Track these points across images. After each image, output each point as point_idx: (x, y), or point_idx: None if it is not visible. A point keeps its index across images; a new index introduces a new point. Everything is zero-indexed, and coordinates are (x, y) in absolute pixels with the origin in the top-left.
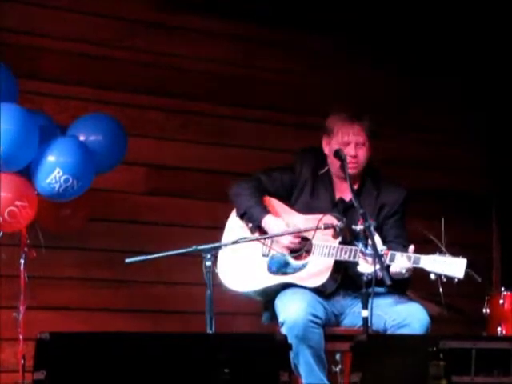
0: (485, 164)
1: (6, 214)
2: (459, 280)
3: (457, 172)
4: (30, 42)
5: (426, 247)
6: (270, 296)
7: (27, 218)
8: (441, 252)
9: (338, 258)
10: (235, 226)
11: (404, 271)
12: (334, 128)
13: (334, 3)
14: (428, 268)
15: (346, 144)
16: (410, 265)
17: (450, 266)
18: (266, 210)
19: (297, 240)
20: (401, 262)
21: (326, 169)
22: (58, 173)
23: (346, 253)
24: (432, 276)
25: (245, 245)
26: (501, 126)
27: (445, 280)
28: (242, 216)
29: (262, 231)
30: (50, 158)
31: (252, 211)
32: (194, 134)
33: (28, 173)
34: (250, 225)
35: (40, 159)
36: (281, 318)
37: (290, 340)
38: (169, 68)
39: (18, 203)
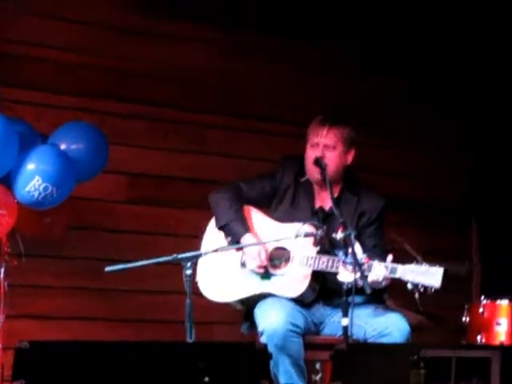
0: (464, 173)
1: None
2: (436, 289)
3: (436, 181)
4: (9, 50)
5: (403, 256)
6: (249, 305)
7: (7, 226)
8: (417, 262)
9: (316, 268)
10: (214, 234)
11: (381, 279)
12: (308, 132)
13: (320, 11)
14: (405, 278)
15: (315, 146)
16: (387, 274)
17: (427, 276)
18: (246, 228)
19: (265, 264)
20: (378, 272)
21: (306, 177)
22: (38, 181)
23: (323, 263)
24: (409, 286)
25: (224, 254)
26: (479, 135)
27: (422, 290)
28: (221, 228)
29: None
30: (30, 166)
31: (231, 226)
32: (174, 143)
33: (7, 181)
34: (229, 239)
35: (19, 167)
36: (260, 328)
37: (270, 349)
38: (149, 76)
39: None
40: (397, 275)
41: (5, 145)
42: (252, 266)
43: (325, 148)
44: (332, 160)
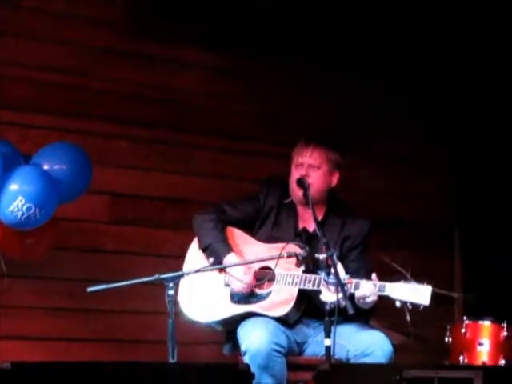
0: (447, 192)
1: None
2: (425, 307)
3: (418, 201)
4: None
5: (390, 278)
6: (232, 326)
7: None
8: (406, 280)
9: (302, 286)
10: (196, 254)
11: (368, 294)
12: (293, 154)
13: (301, 30)
14: (393, 295)
15: (300, 166)
16: (375, 291)
17: (416, 293)
18: (229, 248)
19: (245, 288)
20: (366, 289)
21: (290, 199)
22: (21, 201)
23: (309, 281)
24: (397, 303)
25: (206, 274)
26: (462, 155)
27: (410, 307)
28: (204, 249)
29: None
30: (13, 187)
31: (214, 247)
32: (157, 163)
33: None
34: (212, 260)
35: (2, 187)
36: (243, 347)
37: (253, 369)
38: (132, 97)
39: None
40: (385, 293)
41: None
42: (237, 286)
43: (309, 168)
44: (316, 179)
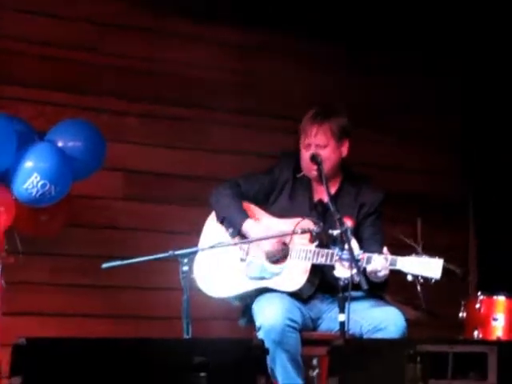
0: (461, 167)
1: None
2: (436, 281)
3: (432, 175)
4: (4, 47)
5: (402, 252)
6: (247, 301)
7: (4, 223)
8: (417, 254)
9: (314, 261)
10: (212, 230)
11: (380, 268)
12: (301, 130)
13: (320, 7)
14: (405, 269)
15: (308, 146)
16: (386, 265)
17: (427, 267)
18: (246, 215)
19: (277, 244)
20: (377, 263)
21: (302, 173)
22: (36, 178)
23: (322, 256)
24: (409, 277)
25: (222, 250)
26: (476, 129)
27: (422, 281)
28: (222, 221)
29: (242, 237)
30: (28, 164)
31: (232, 217)
32: (170, 139)
33: (5, 179)
34: (231, 230)
35: (18, 164)
36: (258, 323)
37: (267, 344)
38: (147, 73)
39: None
40: (397, 267)
41: (3, 142)
42: (265, 247)
43: (317, 147)
44: (326, 157)
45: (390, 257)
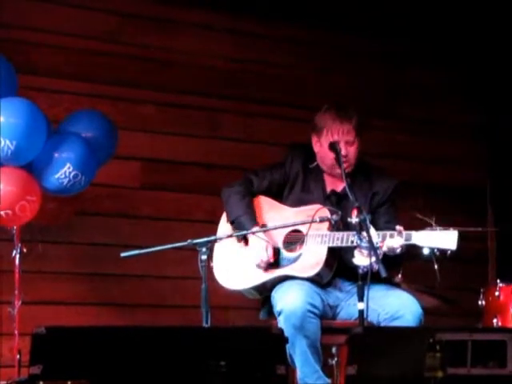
0: (479, 156)
1: (17, 209)
2: (451, 252)
3: (451, 164)
4: (22, 37)
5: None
6: (266, 291)
7: (34, 212)
8: (432, 227)
9: (331, 244)
10: (227, 224)
11: (396, 246)
12: (324, 127)
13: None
14: (420, 243)
15: (336, 142)
16: (402, 241)
17: (442, 239)
18: (254, 221)
19: (269, 260)
20: (393, 241)
21: (315, 163)
22: (69, 168)
23: (338, 239)
24: (425, 251)
25: (239, 243)
26: (495, 118)
27: (438, 253)
28: (231, 223)
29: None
30: (60, 154)
31: (241, 220)
32: (186, 128)
33: (30, 167)
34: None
35: (48, 154)
36: (278, 307)
37: (287, 329)
38: (161, 62)
39: (28, 198)
40: (412, 241)
41: (35, 131)
42: (256, 260)
43: (346, 144)
44: (355, 153)
45: (404, 232)
